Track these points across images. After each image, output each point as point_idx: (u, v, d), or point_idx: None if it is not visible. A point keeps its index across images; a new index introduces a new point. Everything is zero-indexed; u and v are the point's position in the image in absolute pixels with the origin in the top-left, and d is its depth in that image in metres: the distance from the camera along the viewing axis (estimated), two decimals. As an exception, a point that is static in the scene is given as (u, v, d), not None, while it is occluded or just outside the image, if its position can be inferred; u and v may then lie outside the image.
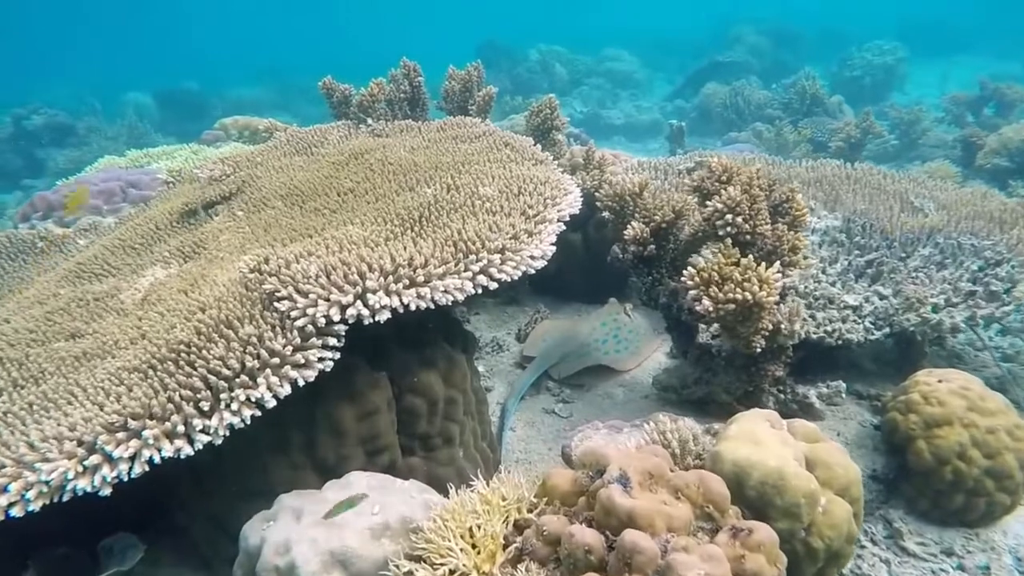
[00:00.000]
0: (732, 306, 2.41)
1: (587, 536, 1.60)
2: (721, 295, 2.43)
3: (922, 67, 14.75)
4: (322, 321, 2.12)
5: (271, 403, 2.02)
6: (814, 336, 2.96)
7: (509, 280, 2.38)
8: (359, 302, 2.14)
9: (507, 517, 1.80)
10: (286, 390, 2.05)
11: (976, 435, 2.62)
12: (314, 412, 2.33)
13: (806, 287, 3.31)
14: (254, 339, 2.10)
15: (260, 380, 2.02)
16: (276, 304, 2.21)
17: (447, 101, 4.72)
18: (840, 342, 2.97)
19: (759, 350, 2.64)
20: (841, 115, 9.09)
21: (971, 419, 2.65)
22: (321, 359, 2.12)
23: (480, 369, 3.94)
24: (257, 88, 18.04)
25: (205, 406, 1.96)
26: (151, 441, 1.87)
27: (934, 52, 16.62)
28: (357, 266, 2.23)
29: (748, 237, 2.66)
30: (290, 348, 2.08)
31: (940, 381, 2.79)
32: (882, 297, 3.26)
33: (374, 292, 2.16)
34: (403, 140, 3.91)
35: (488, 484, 1.96)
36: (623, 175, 3.98)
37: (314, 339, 2.12)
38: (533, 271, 2.47)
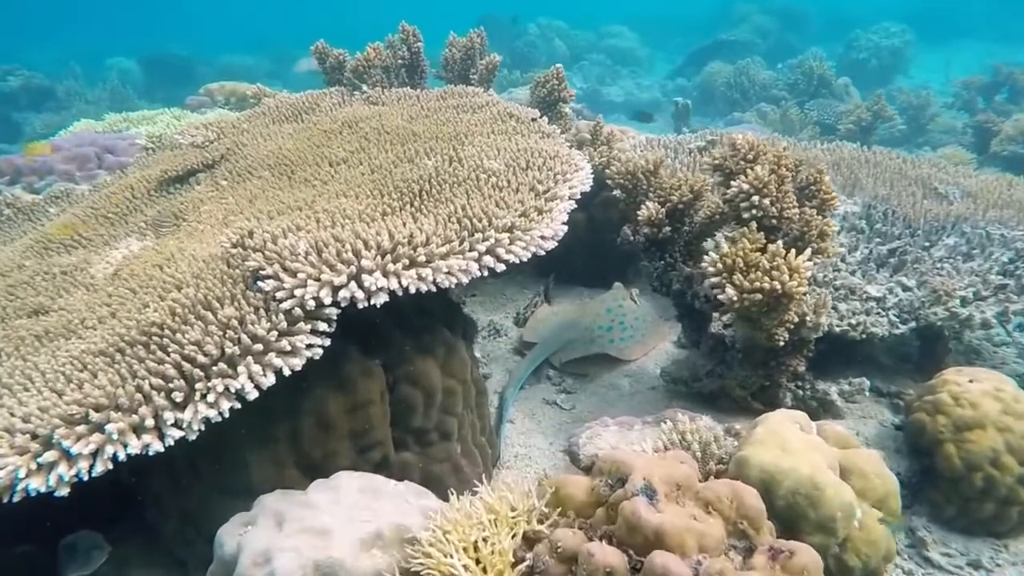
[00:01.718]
0: (758, 296, 2.21)
1: (608, 556, 1.41)
2: (747, 283, 2.23)
3: (926, 52, 14.51)
4: (311, 304, 1.90)
5: (252, 394, 1.82)
6: (837, 329, 2.78)
7: (518, 262, 2.17)
8: (353, 283, 1.93)
9: (516, 529, 1.61)
10: (270, 380, 1.84)
11: (1011, 440, 2.45)
12: (299, 403, 2.12)
13: (824, 276, 3.12)
14: (235, 322, 1.89)
15: (241, 368, 1.81)
16: (260, 284, 1.99)
17: (447, 70, 4.46)
18: (864, 336, 2.79)
19: (782, 343, 2.45)
20: (848, 98, 8.87)
21: (1006, 423, 2.48)
22: (310, 346, 1.91)
23: (476, 355, 3.74)
24: (250, 56, 17.51)
25: (178, 397, 1.75)
26: (115, 436, 1.65)
27: (937, 37, 16.37)
28: (352, 243, 2.01)
29: (774, 221, 2.46)
30: (275, 333, 1.87)
31: (971, 381, 2.61)
32: (906, 288, 3.08)
33: (370, 272, 1.95)
34: (400, 109, 3.66)
35: (488, 484, 1.77)
36: (632, 152, 3.76)
37: (302, 323, 1.91)
38: (543, 252, 2.26)
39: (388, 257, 1.97)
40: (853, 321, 2.78)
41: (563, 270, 4.41)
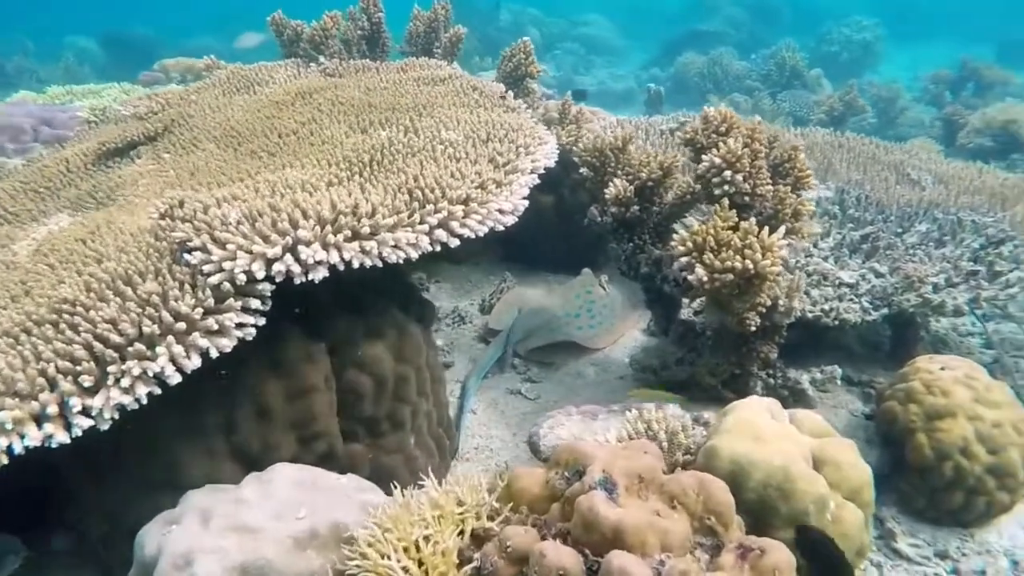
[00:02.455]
0: (729, 276, 2.09)
1: (562, 556, 1.27)
2: (717, 263, 2.10)
3: (894, 49, 14.64)
4: (242, 278, 1.72)
5: (175, 378, 1.63)
6: (809, 315, 2.67)
7: (473, 236, 2.01)
8: (289, 256, 1.75)
9: (463, 526, 1.46)
10: (194, 362, 1.66)
11: (981, 429, 2.38)
12: (234, 390, 1.94)
13: (797, 261, 3.02)
14: (156, 299, 1.70)
15: (160, 350, 1.62)
16: (187, 256, 1.81)
17: (410, 44, 4.26)
18: (837, 322, 2.69)
19: (754, 328, 2.33)
20: (820, 89, 8.86)
21: (977, 411, 2.41)
22: (241, 325, 1.74)
23: (439, 343, 3.58)
24: (213, 37, 16.97)
25: (87, 381, 1.56)
26: (9, 426, 1.46)
27: (905, 35, 16.53)
28: (289, 212, 1.84)
29: (747, 199, 2.34)
30: (200, 310, 1.69)
31: (943, 369, 2.53)
32: (878, 275, 2.99)
33: (308, 244, 1.77)
34: (358, 80, 3.47)
35: (441, 482, 1.61)
36: (602, 132, 3.61)
37: (232, 300, 1.73)
38: (502, 227, 2.10)
39: (328, 228, 1.80)
40: (826, 307, 2.68)
41: (531, 255, 4.26)
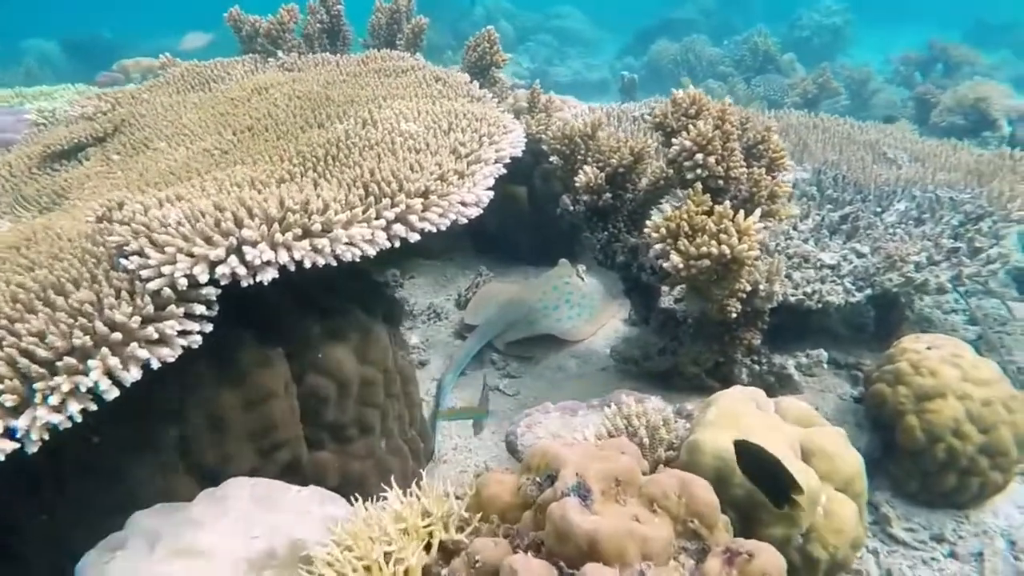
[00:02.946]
0: (706, 262, 1.99)
1: (535, 571, 1.16)
2: (692, 249, 2.00)
3: (863, 33, 14.68)
4: (183, 282, 1.59)
5: (111, 393, 1.50)
6: (792, 299, 2.59)
7: (434, 231, 1.90)
8: (233, 257, 1.62)
9: (430, 539, 1.35)
10: (134, 375, 1.53)
11: (971, 408, 2.32)
12: (186, 401, 1.82)
13: (777, 244, 2.94)
14: (88, 308, 1.57)
15: (93, 363, 1.49)
16: (124, 261, 1.67)
17: (373, 36, 4.13)
18: (820, 305, 2.61)
19: (735, 315, 2.24)
20: (794, 73, 8.81)
21: (965, 390, 2.34)
22: (184, 332, 1.61)
23: (414, 340, 3.46)
24: (180, 38, 16.61)
25: (10, 401, 1.43)
26: (-80, 453, 1.33)
27: (874, 19, 16.58)
28: (234, 211, 1.71)
29: (720, 182, 2.24)
30: (138, 319, 1.55)
31: (929, 348, 2.46)
32: (860, 255, 2.92)
33: (254, 244, 1.65)
34: (317, 74, 3.33)
35: (406, 491, 1.50)
36: (574, 118, 3.50)
37: (173, 307, 1.60)
38: (465, 220, 1.99)
39: (276, 227, 1.67)
40: (808, 290, 2.60)
41: (506, 247, 4.15)
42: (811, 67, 9.03)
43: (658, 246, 2.08)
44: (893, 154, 3.39)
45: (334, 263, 1.74)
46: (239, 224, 1.67)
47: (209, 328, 1.66)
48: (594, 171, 2.53)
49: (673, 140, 2.21)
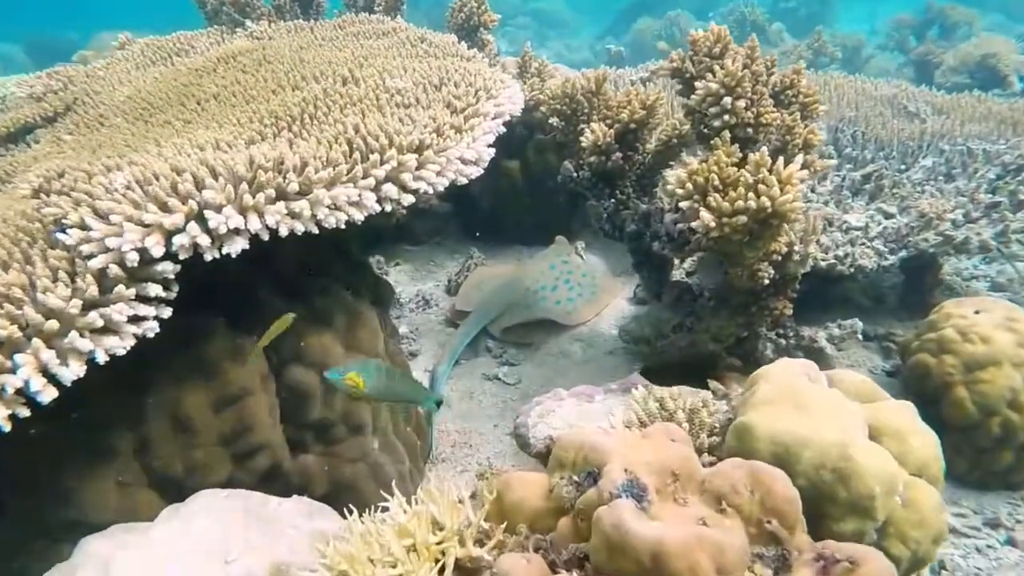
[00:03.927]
0: (742, 219, 1.74)
1: (583, 596, 0.91)
2: (726, 204, 1.75)
3: (850, 4, 14.51)
4: (133, 258, 1.32)
5: (47, 394, 1.23)
6: (823, 264, 2.36)
7: (431, 191, 1.63)
8: (194, 225, 1.35)
9: (443, 558, 1.10)
10: (74, 371, 1.26)
11: (1031, 377, 2.10)
12: (145, 401, 1.55)
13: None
14: (18, 292, 1.29)
15: (23, 358, 1.21)
16: (61, 236, 1.39)
17: (349, 7, 3.83)
18: (853, 269, 2.38)
19: (767, 281, 2.00)
20: (782, 43, 8.59)
21: (1023, 357, 2.12)
22: (137, 319, 1.34)
23: (403, 330, 3.20)
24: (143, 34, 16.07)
25: (-84, 408, 1.15)
26: None
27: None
28: (194, 172, 1.43)
29: (749, 131, 2.00)
30: (78, 303, 1.28)
31: (978, 312, 2.24)
32: (888, 215, 2.69)
33: (218, 209, 1.37)
34: (290, 40, 3.05)
35: (410, 498, 1.24)
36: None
37: (122, 288, 1.33)
38: (465, 180, 1.73)
39: (245, 188, 1.40)
40: (840, 253, 2.37)
41: (498, 227, 3.88)
42: (799, 37, 8.81)
43: (684, 204, 1.83)
44: (915, 107, 3.17)
45: (315, 231, 1.47)
46: (200, 186, 1.39)
47: (168, 313, 1.39)
48: (602, 128, 2.28)
49: (696, 84, 1.96)
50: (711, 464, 1.44)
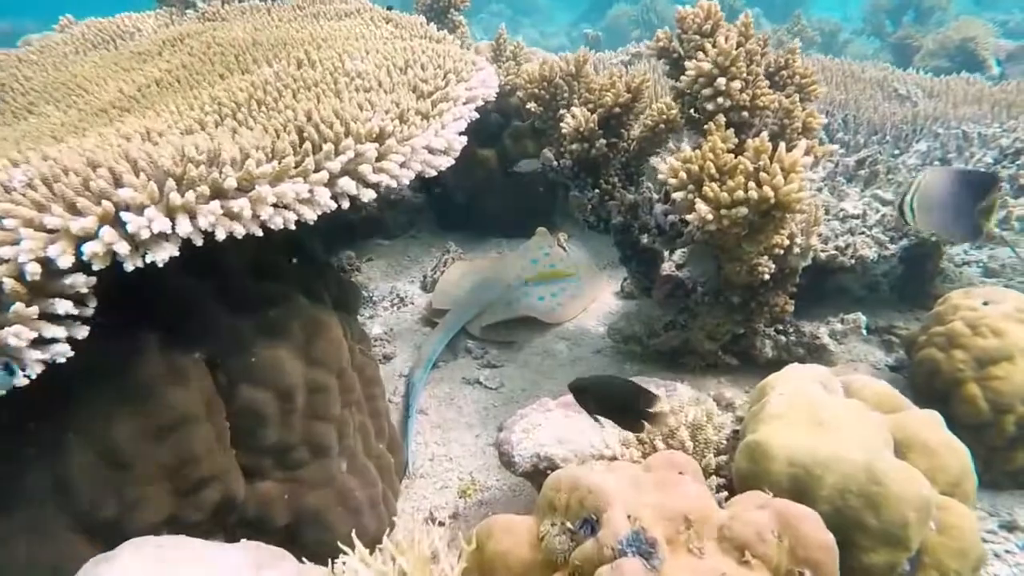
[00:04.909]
0: (742, 210, 1.57)
1: None
2: (724, 195, 1.58)
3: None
4: (34, 269, 1.10)
5: (-69, 437, 1.02)
6: (822, 255, 2.20)
7: (395, 185, 1.44)
8: (109, 230, 1.14)
9: (412, 626, 0.91)
10: (-35, 408, 1.04)
11: (1045, 371, 1.96)
12: (64, 434, 1.33)
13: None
14: None
15: None
16: (-49, 246, 1.17)
17: (310, -13, 3.58)
18: (854, 260, 2.23)
19: (767, 277, 1.84)
20: (760, 29, 8.48)
21: (1038, 350, 1.98)
22: (44, 341, 1.12)
23: (376, 331, 2.99)
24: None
25: None
26: None
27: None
28: (111, 166, 1.22)
29: (745, 114, 1.82)
30: (-32, 327, 1.07)
31: (987, 303, 2.10)
32: (885, 202, 2.55)
33: (139, 210, 1.16)
34: (244, 22, 2.81)
35: (374, 548, 1.05)
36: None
37: (21, 305, 1.11)
38: (433, 172, 1.53)
39: (172, 184, 1.19)
40: (840, 243, 2.21)
41: (475, 220, 3.69)
42: (776, 23, 8.69)
43: (678, 195, 1.65)
44: (906, 90, 3.03)
45: (259, 233, 1.26)
46: (118, 182, 1.18)
47: (84, 333, 1.18)
48: (585, 113, 2.09)
49: (687, 64, 1.78)
50: (720, 488, 1.27)
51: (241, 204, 1.22)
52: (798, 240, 1.87)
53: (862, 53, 7.90)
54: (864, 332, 2.23)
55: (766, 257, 1.80)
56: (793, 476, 1.20)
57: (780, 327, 2.21)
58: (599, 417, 1.39)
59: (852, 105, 3.08)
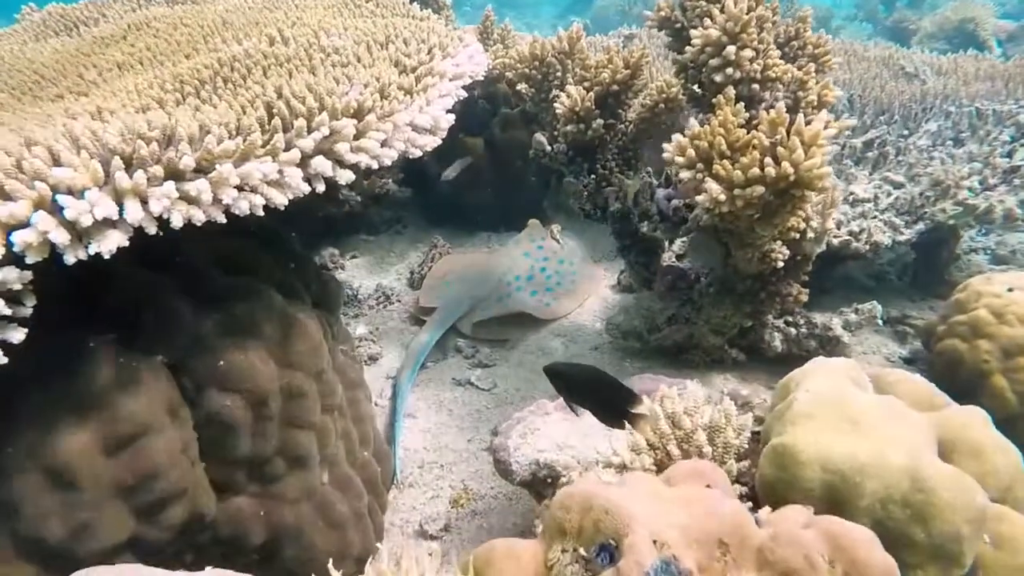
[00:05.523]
0: (758, 189, 1.43)
1: None
2: (737, 173, 1.44)
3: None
4: (-45, 264, 0.95)
5: None
6: (836, 241, 2.07)
7: (375, 166, 1.29)
8: (44, 216, 0.98)
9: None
10: None
11: (1077, 360, 1.85)
12: (5, 450, 1.18)
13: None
14: None
15: None
16: None
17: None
18: (869, 246, 2.10)
19: (780, 264, 1.70)
20: (750, 16, 8.37)
21: (1069, 339, 1.87)
22: (-29, 347, 0.97)
23: (361, 331, 2.84)
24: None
25: None
26: None
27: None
28: (50, 145, 1.06)
29: (755, 87, 1.68)
30: None
31: (1011, 289, 1.98)
32: (897, 185, 2.42)
33: (80, 193, 1.01)
34: (214, 5, 2.65)
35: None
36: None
37: (-57, 305, 0.96)
38: (417, 152, 1.38)
39: (119, 163, 1.04)
40: (854, 228, 2.08)
41: (463, 212, 3.54)
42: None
43: (686, 174, 1.51)
44: (913, 68, 2.90)
45: (222, 219, 1.11)
46: (55, 161, 1.03)
47: (20, 337, 1.03)
48: (580, 92, 1.95)
49: (692, 33, 1.64)
50: (743, 497, 1.14)
51: (200, 186, 1.07)
52: (813, 223, 1.74)
53: (856, 39, 7.82)
54: (880, 322, 2.10)
55: (780, 242, 1.67)
56: (827, 484, 1.06)
57: (790, 319, 2.08)
58: (574, 406, 1.31)
59: (857, 84, 2.96)
